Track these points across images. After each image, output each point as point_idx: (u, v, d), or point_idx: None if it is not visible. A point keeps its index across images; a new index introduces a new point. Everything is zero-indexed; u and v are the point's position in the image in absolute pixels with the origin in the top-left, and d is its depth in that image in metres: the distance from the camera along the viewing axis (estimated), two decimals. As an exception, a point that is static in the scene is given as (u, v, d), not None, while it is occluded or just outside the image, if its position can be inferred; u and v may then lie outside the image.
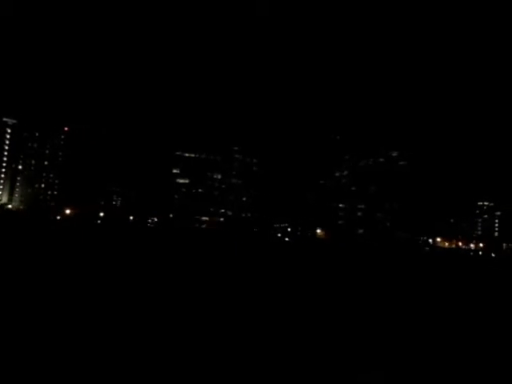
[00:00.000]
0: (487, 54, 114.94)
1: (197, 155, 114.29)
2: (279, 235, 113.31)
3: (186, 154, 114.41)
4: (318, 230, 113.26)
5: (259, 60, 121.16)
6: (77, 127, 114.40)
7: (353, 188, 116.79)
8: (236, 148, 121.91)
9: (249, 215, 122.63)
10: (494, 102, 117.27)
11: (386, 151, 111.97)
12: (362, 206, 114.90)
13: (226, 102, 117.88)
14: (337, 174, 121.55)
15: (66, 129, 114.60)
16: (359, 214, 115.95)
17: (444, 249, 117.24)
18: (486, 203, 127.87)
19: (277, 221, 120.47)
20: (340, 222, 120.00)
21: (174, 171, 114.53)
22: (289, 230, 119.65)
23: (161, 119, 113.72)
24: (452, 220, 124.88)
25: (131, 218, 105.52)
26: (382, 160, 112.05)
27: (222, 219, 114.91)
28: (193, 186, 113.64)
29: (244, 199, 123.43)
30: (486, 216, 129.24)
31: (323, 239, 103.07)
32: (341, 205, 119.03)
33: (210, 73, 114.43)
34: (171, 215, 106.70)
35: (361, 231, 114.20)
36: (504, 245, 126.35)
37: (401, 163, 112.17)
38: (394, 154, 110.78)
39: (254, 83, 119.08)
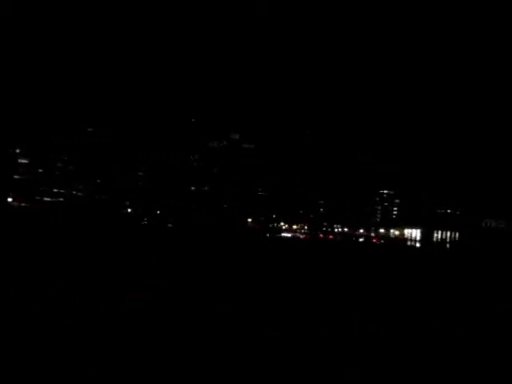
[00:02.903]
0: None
1: (39, 135, 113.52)
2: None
3: (30, 135, 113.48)
4: None
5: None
6: None
7: (201, 170, 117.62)
8: (90, 129, 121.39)
9: (103, 197, 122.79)
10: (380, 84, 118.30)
11: (228, 134, 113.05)
12: (206, 189, 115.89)
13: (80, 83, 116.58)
14: (191, 158, 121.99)
15: None
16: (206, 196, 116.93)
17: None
18: (386, 191, 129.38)
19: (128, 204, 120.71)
20: (193, 206, 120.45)
21: (17, 151, 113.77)
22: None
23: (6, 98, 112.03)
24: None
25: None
26: (225, 143, 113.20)
27: (61, 199, 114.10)
28: (33, 166, 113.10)
29: (99, 181, 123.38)
30: (386, 204, 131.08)
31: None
32: (192, 188, 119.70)
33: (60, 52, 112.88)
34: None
35: (205, 214, 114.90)
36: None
37: (245, 146, 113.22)
38: (236, 137, 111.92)
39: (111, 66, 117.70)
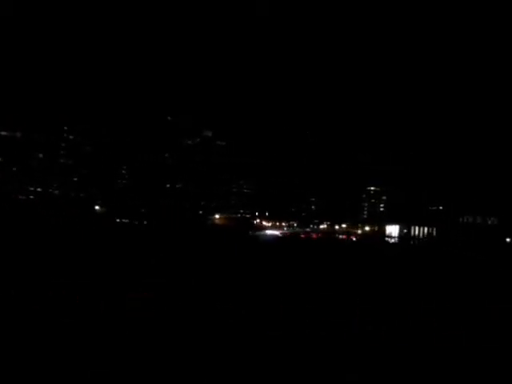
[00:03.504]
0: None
1: (12, 134, 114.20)
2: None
3: (3, 133, 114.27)
4: None
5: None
6: None
7: (176, 167, 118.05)
8: (66, 128, 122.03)
9: (81, 195, 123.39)
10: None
11: (200, 131, 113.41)
12: (180, 186, 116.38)
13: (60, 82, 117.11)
14: (166, 155, 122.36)
15: None
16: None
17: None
18: (373, 188, 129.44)
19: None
20: (172, 204, 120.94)
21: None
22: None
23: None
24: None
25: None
26: (198, 140, 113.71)
27: (31, 197, 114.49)
28: (7, 165, 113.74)
29: (75, 179, 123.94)
30: (373, 200, 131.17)
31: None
32: (168, 185, 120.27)
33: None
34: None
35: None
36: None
37: (218, 143, 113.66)
38: (209, 134, 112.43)
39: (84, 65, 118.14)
